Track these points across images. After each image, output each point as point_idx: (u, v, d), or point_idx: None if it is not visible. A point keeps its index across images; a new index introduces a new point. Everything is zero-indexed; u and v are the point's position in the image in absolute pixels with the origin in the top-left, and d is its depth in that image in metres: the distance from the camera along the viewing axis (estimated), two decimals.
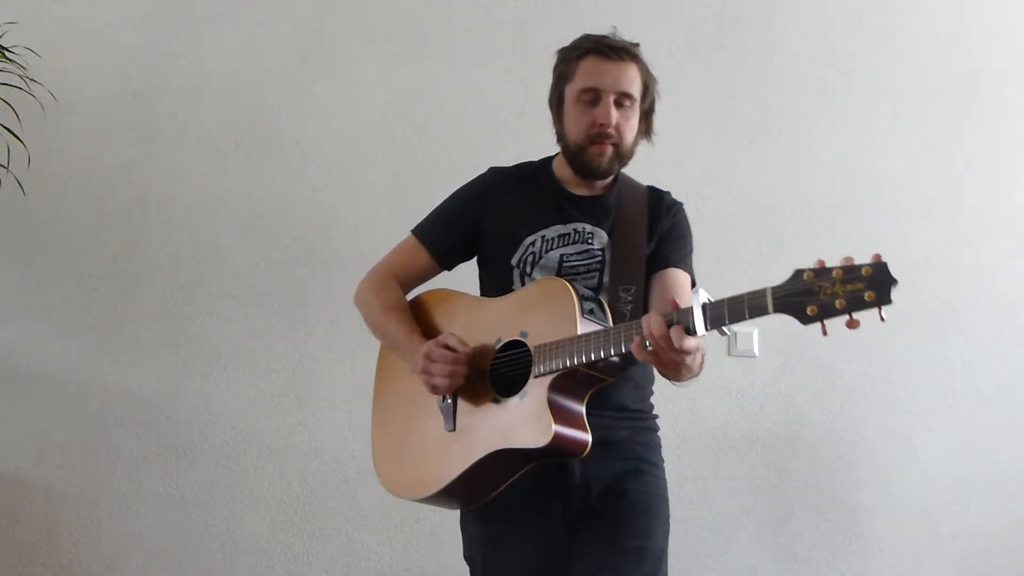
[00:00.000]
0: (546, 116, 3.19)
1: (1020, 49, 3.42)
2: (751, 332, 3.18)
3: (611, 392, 1.88)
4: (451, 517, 3.02)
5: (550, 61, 3.45)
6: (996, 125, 3.37)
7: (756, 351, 3.20)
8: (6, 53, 2.87)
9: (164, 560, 3.03)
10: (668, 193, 2.11)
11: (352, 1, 3.32)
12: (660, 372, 1.80)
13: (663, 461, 2.03)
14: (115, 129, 3.21)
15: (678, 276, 1.98)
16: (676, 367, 1.67)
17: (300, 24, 3.30)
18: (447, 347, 1.88)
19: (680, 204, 2.11)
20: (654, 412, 2.05)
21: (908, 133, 3.36)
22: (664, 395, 3.26)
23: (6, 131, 2.88)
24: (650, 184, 2.11)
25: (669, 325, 1.61)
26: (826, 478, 3.18)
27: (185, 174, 3.21)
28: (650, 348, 1.64)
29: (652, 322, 1.63)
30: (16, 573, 2.98)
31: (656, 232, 2.01)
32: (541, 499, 1.90)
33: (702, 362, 1.74)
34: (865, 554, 3.15)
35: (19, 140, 2.89)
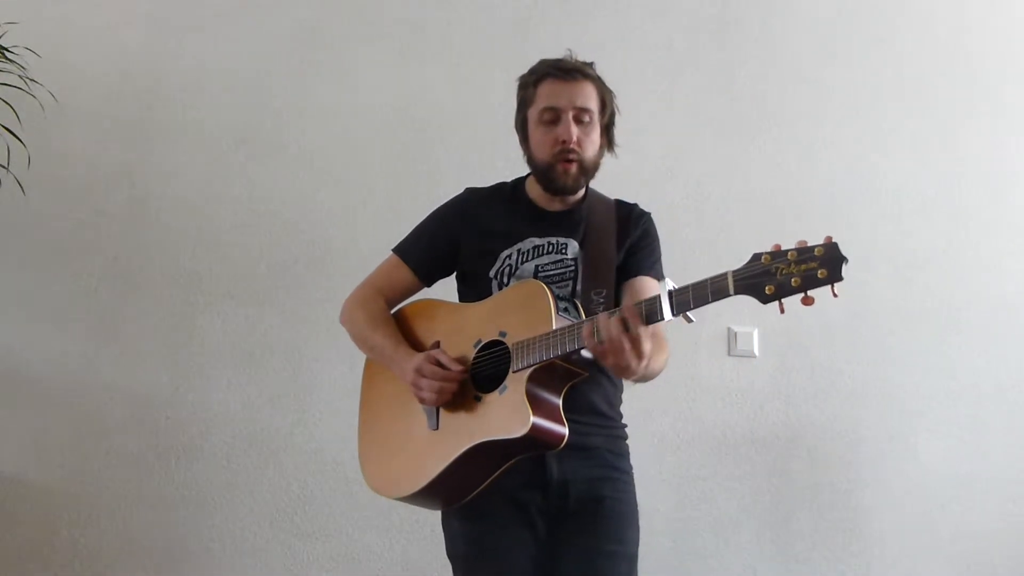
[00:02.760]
0: None
1: (1020, 49, 3.42)
2: (751, 332, 3.18)
3: (587, 395, 1.98)
4: None
5: None
6: (996, 125, 3.37)
7: (756, 351, 3.19)
8: (6, 53, 2.87)
9: (164, 560, 3.03)
10: (636, 205, 2.20)
11: (352, 1, 3.32)
12: (613, 370, 1.85)
13: (632, 468, 2.12)
14: (115, 129, 3.21)
15: (648, 283, 2.07)
16: (621, 355, 1.73)
17: (300, 24, 3.30)
18: (438, 364, 1.96)
19: (648, 214, 2.19)
20: (623, 421, 2.14)
21: (908, 133, 3.36)
22: (664, 395, 3.26)
23: (6, 131, 2.88)
24: (618, 198, 2.20)
25: (638, 314, 1.72)
26: (826, 478, 3.17)
27: (185, 174, 3.21)
28: (602, 338, 1.73)
29: (608, 313, 1.75)
30: (16, 573, 2.98)
31: (625, 243, 2.11)
32: (521, 498, 1.98)
33: (647, 364, 1.80)
34: (865, 554, 3.15)
35: (19, 140, 2.89)
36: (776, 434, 3.19)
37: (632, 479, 2.11)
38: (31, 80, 2.91)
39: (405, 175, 3.23)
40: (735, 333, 3.18)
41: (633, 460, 2.15)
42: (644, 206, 2.26)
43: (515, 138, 3.20)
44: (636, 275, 2.08)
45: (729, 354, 3.19)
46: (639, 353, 1.73)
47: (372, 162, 3.24)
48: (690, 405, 3.16)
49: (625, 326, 1.72)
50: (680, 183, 3.26)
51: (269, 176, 3.22)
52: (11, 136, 2.88)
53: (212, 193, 3.20)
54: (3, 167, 2.92)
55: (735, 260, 3.44)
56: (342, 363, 3.11)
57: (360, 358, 3.16)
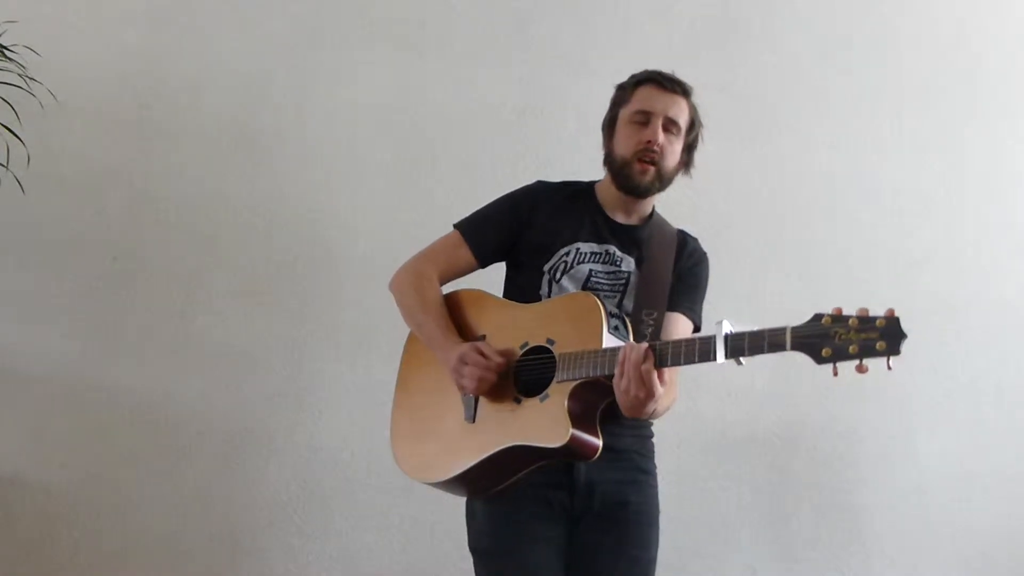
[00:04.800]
0: (545, 115, 3.24)
1: (1020, 49, 3.42)
2: None
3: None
4: (450, 516, 3.02)
5: (550, 60, 3.47)
6: (996, 125, 3.37)
7: None
8: (6, 52, 2.87)
9: (164, 560, 3.03)
10: (696, 240, 2.27)
11: (352, 1, 3.32)
12: (620, 400, 1.88)
13: (656, 467, 2.18)
14: (115, 129, 3.20)
15: (680, 322, 2.13)
16: (640, 385, 1.81)
17: (300, 24, 3.30)
18: (482, 354, 2.00)
19: (704, 253, 2.26)
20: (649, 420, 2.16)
21: (908, 133, 3.36)
22: None
23: (6, 130, 2.88)
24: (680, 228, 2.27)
25: (690, 350, 1.79)
26: (826, 478, 3.18)
27: (185, 174, 3.20)
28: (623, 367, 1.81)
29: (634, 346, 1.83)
30: (16, 572, 2.97)
31: (677, 271, 2.16)
32: (547, 496, 2.04)
33: (655, 406, 1.88)
34: (865, 554, 3.15)
35: (19, 139, 2.89)
36: (776, 434, 3.19)
37: (656, 479, 2.16)
38: (31, 79, 2.91)
39: (405, 175, 3.23)
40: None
41: None
42: None
43: (514, 138, 3.25)
44: (672, 310, 2.12)
45: None
46: (649, 391, 1.79)
47: (372, 162, 3.24)
48: (690, 405, 3.15)
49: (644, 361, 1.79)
50: (680, 183, 3.25)
51: (269, 176, 3.21)
52: (10, 135, 2.88)
53: (212, 193, 3.19)
54: (3, 166, 2.91)
55: (734, 260, 3.46)
56: (342, 362, 3.12)
57: (360, 357, 3.18)
